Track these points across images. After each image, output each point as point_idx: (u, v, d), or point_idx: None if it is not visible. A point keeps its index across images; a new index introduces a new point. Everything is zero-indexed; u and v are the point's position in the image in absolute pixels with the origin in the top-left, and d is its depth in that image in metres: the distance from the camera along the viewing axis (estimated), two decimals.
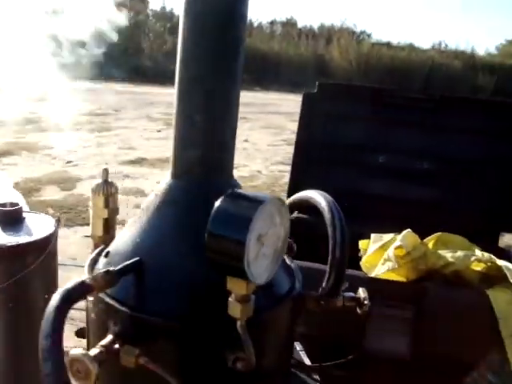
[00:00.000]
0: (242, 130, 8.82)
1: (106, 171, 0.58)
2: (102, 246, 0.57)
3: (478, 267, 1.10)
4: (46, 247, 0.74)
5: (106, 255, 0.52)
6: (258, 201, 0.43)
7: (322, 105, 1.53)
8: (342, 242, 0.56)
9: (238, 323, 0.44)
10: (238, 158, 6.59)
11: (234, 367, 0.45)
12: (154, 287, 0.48)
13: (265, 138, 8.25)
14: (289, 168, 6.38)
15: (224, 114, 0.53)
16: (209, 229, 0.42)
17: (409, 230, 1.19)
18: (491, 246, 1.29)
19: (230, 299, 0.44)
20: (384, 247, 1.23)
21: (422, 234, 1.26)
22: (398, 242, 1.13)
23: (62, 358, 0.39)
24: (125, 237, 0.52)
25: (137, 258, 0.48)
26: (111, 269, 0.46)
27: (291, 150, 6.38)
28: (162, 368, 0.44)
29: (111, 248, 0.53)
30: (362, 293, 0.61)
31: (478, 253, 1.12)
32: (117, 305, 0.47)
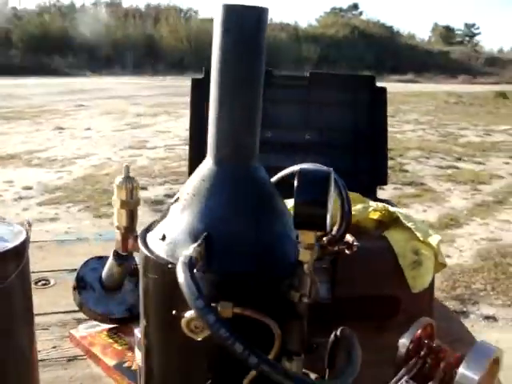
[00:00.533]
0: (82, 118, 8.51)
1: (127, 168, 0.64)
2: (137, 233, 0.64)
3: (375, 216, 1.31)
4: (23, 252, 0.77)
5: (163, 238, 0.59)
6: (326, 171, 0.56)
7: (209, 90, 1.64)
8: (347, 198, 0.69)
9: (306, 266, 0.57)
10: (85, 148, 6.39)
11: (300, 301, 0.57)
12: (226, 253, 0.57)
13: (107, 124, 8.06)
14: (139, 152, 6.38)
15: (257, 102, 0.62)
16: (297, 196, 0.54)
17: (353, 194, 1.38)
18: (373, 199, 1.51)
19: (300, 248, 0.56)
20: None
21: None
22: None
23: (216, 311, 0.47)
24: (177, 220, 0.59)
25: (205, 233, 0.56)
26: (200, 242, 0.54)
27: (137, 133, 6.39)
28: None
29: (165, 232, 0.59)
30: (349, 237, 0.76)
31: (373, 204, 1.34)
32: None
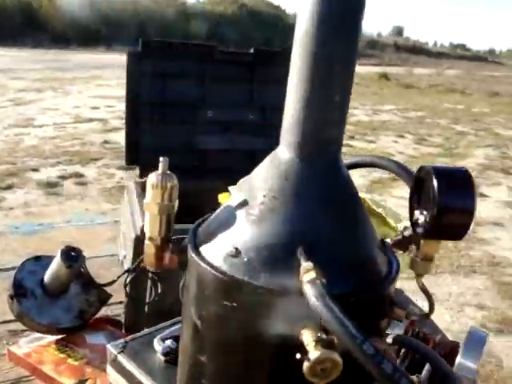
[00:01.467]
0: None
1: (165, 161, 0.50)
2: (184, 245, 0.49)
3: None
4: None
5: (237, 254, 0.44)
6: (463, 170, 0.46)
7: (147, 63, 1.48)
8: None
9: (420, 279, 0.47)
10: None
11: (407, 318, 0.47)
12: (328, 264, 0.44)
13: None
14: (26, 130, 5.91)
15: (348, 94, 0.50)
16: (442, 202, 0.43)
17: None
18: None
19: (415, 258, 0.46)
20: None
21: None
22: None
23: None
24: (255, 230, 0.45)
25: (302, 245, 0.43)
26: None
27: (22, 110, 5.93)
28: None
29: (238, 245, 0.45)
30: None
31: None
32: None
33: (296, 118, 0.50)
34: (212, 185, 1.49)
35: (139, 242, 1.13)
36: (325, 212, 0.48)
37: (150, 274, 1.10)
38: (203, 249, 0.48)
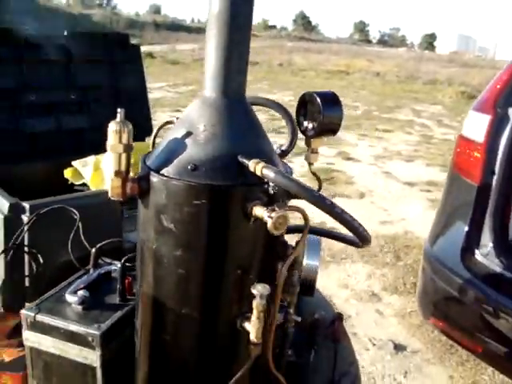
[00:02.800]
0: None
1: (122, 111, 0.60)
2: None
3: None
4: None
5: (196, 169, 0.58)
6: (332, 92, 0.67)
7: None
8: (291, 120, 0.79)
9: (311, 166, 0.68)
10: None
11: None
12: None
13: None
14: None
15: (248, 54, 0.65)
16: (325, 112, 0.63)
17: (137, 143, 1.41)
18: None
19: (308, 153, 0.67)
20: (97, 167, 1.41)
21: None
22: None
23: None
24: (206, 149, 0.59)
25: (241, 153, 0.60)
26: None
27: None
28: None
29: (194, 162, 0.58)
30: None
31: None
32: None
33: (217, 70, 0.66)
34: (45, 165, 1.56)
35: (8, 221, 1.17)
36: (248, 130, 0.67)
37: (27, 249, 1.16)
38: (164, 171, 0.63)
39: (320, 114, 0.68)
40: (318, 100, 0.68)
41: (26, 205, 1.16)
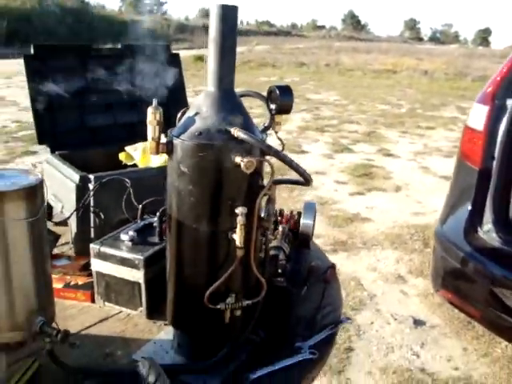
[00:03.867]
0: None
1: (156, 100, 0.98)
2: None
3: None
4: (42, 188, 1.04)
5: (200, 134, 0.95)
6: (287, 85, 1.03)
7: (42, 63, 1.88)
8: (267, 104, 1.13)
9: (277, 134, 1.03)
10: None
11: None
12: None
13: None
14: None
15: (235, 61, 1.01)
16: (282, 98, 0.98)
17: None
18: None
19: (274, 125, 1.02)
20: (145, 150, 1.81)
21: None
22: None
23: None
24: (204, 122, 0.96)
25: (229, 125, 0.96)
26: None
27: None
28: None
29: (200, 131, 0.95)
30: None
31: None
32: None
33: (214, 72, 1.01)
34: (104, 151, 1.96)
35: (79, 188, 1.56)
36: (234, 111, 1.01)
37: (92, 209, 1.55)
38: (182, 137, 0.99)
39: (278, 100, 1.04)
40: (277, 90, 1.03)
41: (91, 176, 1.56)
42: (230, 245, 1.01)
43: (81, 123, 1.99)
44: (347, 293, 3.64)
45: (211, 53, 1.00)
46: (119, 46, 2.11)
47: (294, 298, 1.38)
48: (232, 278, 1.03)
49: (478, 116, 2.58)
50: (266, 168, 1.03)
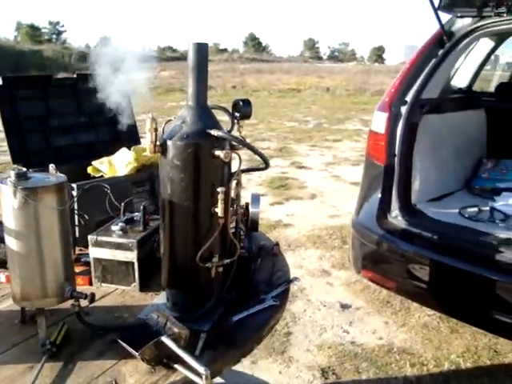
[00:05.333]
0: None
1: (151, 114, 1.30)
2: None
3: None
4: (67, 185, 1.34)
5: (185, 137, 1.28)
6: (247, 99, 1.39)
7: (9, 93, 2.14)
8: (229, 113, 1.49)
9: (240, 134, 1.39)
10: None
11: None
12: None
13: None
14: None
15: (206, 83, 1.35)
16: (244, 108, 1.34)
17: (136, 146, 2.11)
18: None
19: (239, 128, 1.38)
20: (110, 163, 2.11)
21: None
22: (131, 154, 2.05)
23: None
24: (190, 128, 1.29)
25: (207, 128, 1.30)
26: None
27: None
28: None
29: (185, 134, 1.28)
30: None
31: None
32: None
33: (193, 91, 1.36)
34: (69, 167, 2.23)
35: None
36: (209, 119, 1.37)
37: (76, 211, 1.84)
38: (173, 139, 1.32)
39: (242, 109, 1.41)
40: (240, 102, 1.41)
41: (74, 185, 1.85)
42: (211, 217, 1.36)
43: (46, 144, 2.25)
44: None
45: (190, 78, 1.35)
46: (74, 76, 2.40)
47: (252, 267, 1.74)
48: (215, 242, 1.38)
49: (379, 121, 3.09)
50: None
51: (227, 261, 1.43)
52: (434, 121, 3.32)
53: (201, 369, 1.10)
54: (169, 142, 1.34)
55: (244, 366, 3.00)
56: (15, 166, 2.12)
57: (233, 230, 1.82)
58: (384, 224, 3.00)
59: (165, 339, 1.18)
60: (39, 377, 1.12)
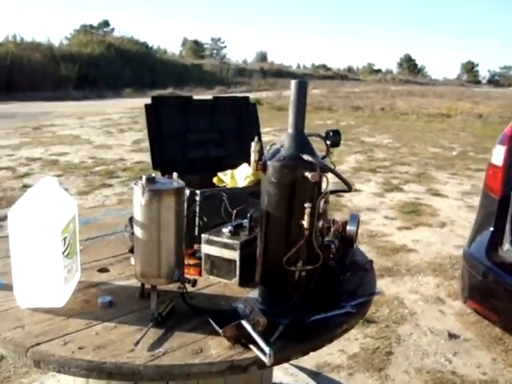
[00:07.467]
0: None
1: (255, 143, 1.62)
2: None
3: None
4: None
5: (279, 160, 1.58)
6: (338, 129, 1.64)
7: (157, 110, 2.57)
8: (326, 143, 1.74)
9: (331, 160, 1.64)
10: None
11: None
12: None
13: None
14: None
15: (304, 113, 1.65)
16: (337, 139, 1.60)
17: (244, 164, 2.43)
18: None
19: (330, 155, 1.64)
20: (232, 176, 2.45)
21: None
22: (247, 169, 2.37)
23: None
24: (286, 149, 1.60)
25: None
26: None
27: None
28: None
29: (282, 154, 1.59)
30: None
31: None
32: None
33: (293, 119, 1.63)
34: (200, 176, 2.61)
35: (189, 200, 2.20)
36: (306, 144, 1.63)
37: (197, 214, 2.19)
38: (273, 160, 1.61)
39: (331, 137, 1.65)
40: (331, 132, 1.64)
41: (198, 191, 2.21)
42: (299, 228, 1.61)
43: (182, 155, 2.65)
44: (390, 309, 4.13)
45: (291, 109, 1.62)
46: (211, 98, 2.79)
47: (341, 278, 1.95)
48: (300, 249, 1.63)
49: (498, 154, 3.11)
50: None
51: (310, 267, 1.67)
52: None
53: (266, 349, 1.35)
54: (268, 163, 1.62)
55: (340, 377, 3.18)
56: (153, 171, 2.55)
57: (326, 243, 2.05)
58: (494, 257, 3.00)
59: (245, 323, 1.45)
60: (144, 337, 1.46)
